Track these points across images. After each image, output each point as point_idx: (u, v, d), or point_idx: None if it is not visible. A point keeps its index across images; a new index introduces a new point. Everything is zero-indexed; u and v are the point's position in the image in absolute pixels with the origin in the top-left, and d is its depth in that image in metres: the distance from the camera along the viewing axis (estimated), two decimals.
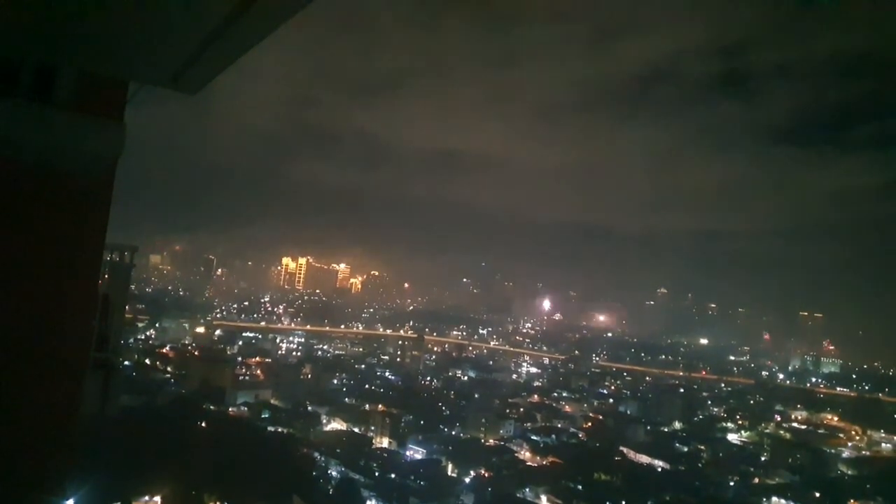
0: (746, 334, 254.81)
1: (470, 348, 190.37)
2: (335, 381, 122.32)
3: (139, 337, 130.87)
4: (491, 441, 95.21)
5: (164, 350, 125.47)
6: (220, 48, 3.17)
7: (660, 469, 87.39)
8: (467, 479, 76.25)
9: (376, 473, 72.39)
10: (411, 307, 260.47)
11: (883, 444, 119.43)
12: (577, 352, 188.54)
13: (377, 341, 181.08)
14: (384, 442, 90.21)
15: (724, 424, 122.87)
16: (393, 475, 72.80)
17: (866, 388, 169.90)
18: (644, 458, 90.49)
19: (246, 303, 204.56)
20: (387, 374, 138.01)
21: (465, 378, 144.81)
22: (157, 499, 53.18)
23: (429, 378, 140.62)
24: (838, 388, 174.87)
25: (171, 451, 54.56)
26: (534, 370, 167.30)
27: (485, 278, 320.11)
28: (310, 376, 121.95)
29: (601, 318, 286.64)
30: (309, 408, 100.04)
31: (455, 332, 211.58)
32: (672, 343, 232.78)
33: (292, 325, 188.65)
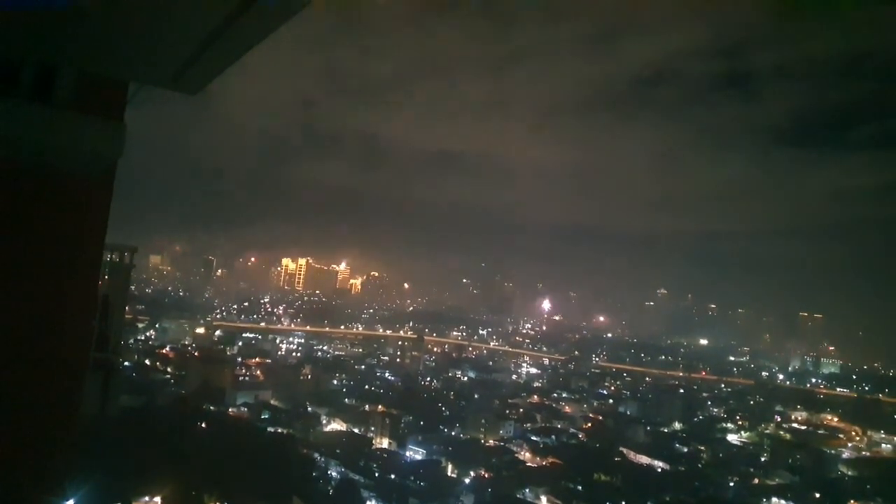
0: (746, 335, 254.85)
1: (470, 349, 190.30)
2: (335, 382, 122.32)
3: (139, 337, 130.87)
4: (491, 441, 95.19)
5: (163, 350, 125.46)
6: (220, 48, 3.17)
7: (660, 469, 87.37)
8: (467, 480, 76.24)
9: (376, 474, 72.37)
10: (411, 308, 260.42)
11: (883, 445, 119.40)
12: (576, 352, 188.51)
13: (377, 342, 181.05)
14: (384, 442, 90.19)
15: (724, 425, 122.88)
16: (393, 476, 72.78)
17: (866, 388, 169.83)
18: (644, 459, 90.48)
19: (246, 303, 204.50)
20: (386, 374, 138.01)
21: (465, 379, 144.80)
22: (158, 499, 53.13)
23: (428, 379, 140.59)
24: (838, 389, 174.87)
25: (172, 451, 54.56)
26: (534, 371, 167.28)
27: (485, 279, 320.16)
28: (310, 377, 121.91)
29: (601, 318, 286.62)
30: (309, 408, 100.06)
31: (455, 333, 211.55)
32: (672, 343, 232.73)
33: (292, 325, 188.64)
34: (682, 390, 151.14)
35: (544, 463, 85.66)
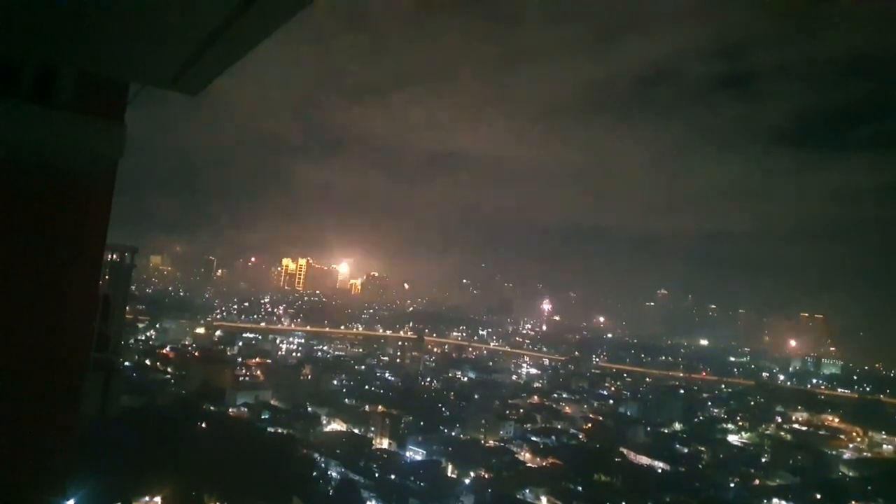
0: (747, 335, 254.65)
1: (470, 349, 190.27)
2: (335, 382, 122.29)
3: (139, 337, 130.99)
4: (491, 442, 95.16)
5: (164, 351, 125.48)
6: (220, 49, 3.17)
7: (660, 470, 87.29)
8: (467, 480, 76.20)
9: (376, 474, 72.35)
10: (411, 308, 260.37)
11: (884, 446, 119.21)
12: (577, 353, 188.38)
13: (377, 342, 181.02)
14: (384, 443, 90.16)
15: (725, 426, 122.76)
16: (393, 476, 72.76)
17: (867, 389, 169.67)
18: (644, 460, 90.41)
19: (246, 303, 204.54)
20: (387, 374, 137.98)
21: (465, 379, 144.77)
22: (158, 499, 53.15)
23: (429, 379, 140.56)
24: (839, 390, 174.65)
25: (172, 451, 54.56)
26: (534, 371, 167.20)
27: (485, 279, 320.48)
28: (310, 377, 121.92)
29: (601, 319, 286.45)
30: (309, 409, 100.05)
31: (455, 333, 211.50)
32: (672, 344, 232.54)
33: (292, 325, 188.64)
34: (682, 391, 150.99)
35: (544, 463, 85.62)
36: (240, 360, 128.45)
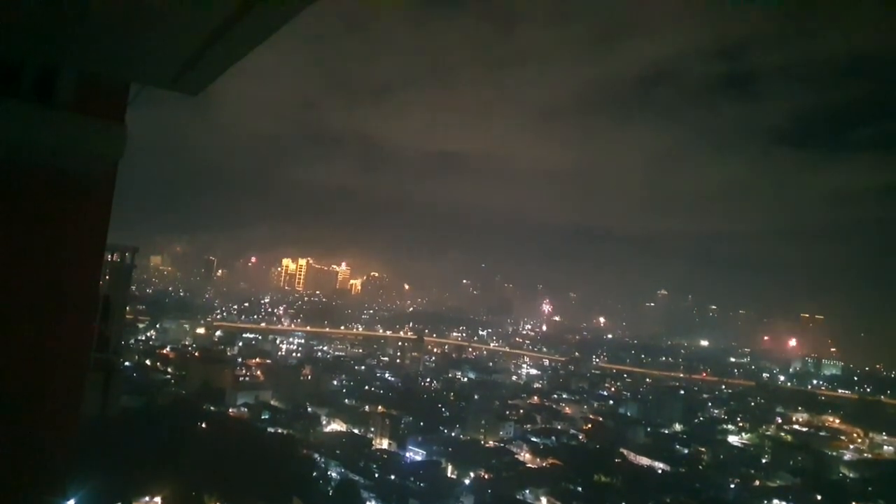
0: (747, 336, 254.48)
1: (470, 350, 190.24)
2: (335, 383, 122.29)
3: (140, 338, 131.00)
4: (491, 442, 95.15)
5: (164, 351, 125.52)
6: (221, 49, 3.18)
7: (660, 471, 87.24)
8: (467, 481, 76.19)
9: (376, 475, 72.35)
10: (411, 308, 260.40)
11: (885, 447, 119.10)
12: (577, 353, 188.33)
13: (377, 342, 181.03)
14: (384, 443, 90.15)
15: (725, 426, 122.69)
16: (393, 476, 72.75)
17: (868, 390, 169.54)
18: (644, 460, 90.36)
19: (246, 304, 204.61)
20: (386, 375, 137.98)
21: (465, 379, 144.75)
22: (158, 499, 53.16)
23: (428, 379, 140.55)
24: (839, 391, 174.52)
25: (172, 451, 54.57)
26: (534, 372, 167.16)
27: (485, 280, 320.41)
28: (310, 377, 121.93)
29: (601, 319, 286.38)
30: (309, 409, 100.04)
31: (455, 334, 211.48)
32: (672, 345, 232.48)
33: (292, 326, 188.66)
34: (682, 391, 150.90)
35: (544, 464, 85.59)
36: (240, 360, 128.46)
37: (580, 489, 74.23)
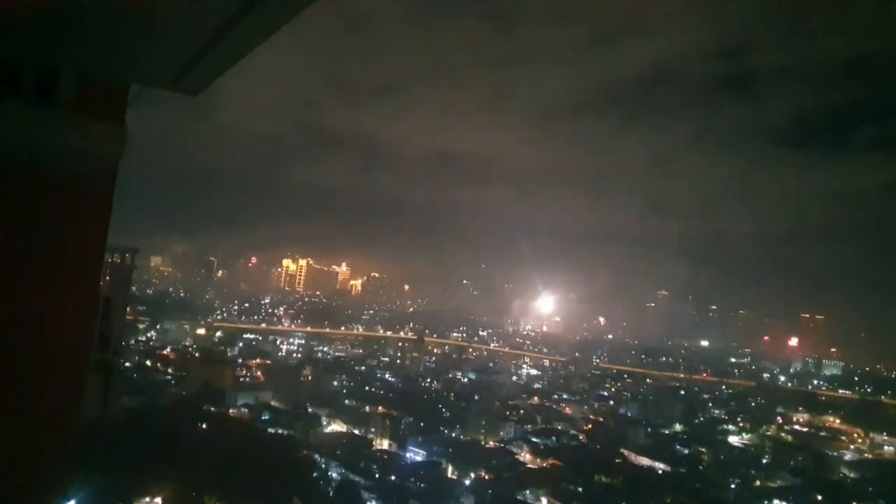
0: (747, 336, 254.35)
1: (470, 350, 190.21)
2: (335, 383, 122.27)
3: (140, 338, 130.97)
4: (491, 443, 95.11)
5: (164, 351, 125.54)
6: (221, 49, 3.18)
7: (660, 471, 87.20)
8: (467, 482, 76.16)
9: (376, 475, 72.34)
10: (411, 309, 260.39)
11: (885, 447, 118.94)
12: (577, 354, 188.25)
13: (377, 343, 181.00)
14: (384, 444, 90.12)
15: (725, 427, 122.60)
16: (393, 477, 72.74)
17: (868, 390, 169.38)
18: (645, 461, 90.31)
19: (246, 304, 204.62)
20: (387, 375, 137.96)
21: (466, 380, 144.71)
22: (158, 500, 53.16)
23: (429, 380, 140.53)
24: (840, 391, 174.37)
25: (172, 452, 54.55)
26: (534, 372, 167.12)
27: (485, 280, 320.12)
28: (310, 378, 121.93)
29: (601, 320, 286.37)
30: (309, 409, 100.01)
31: (455, 334, 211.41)
32: (672, 345, 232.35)
33: (292, 326, 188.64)
34: (682, 392, 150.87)
35: (545, 464, 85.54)
36: (240, 360, 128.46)
37: (581, 490, 74.19)
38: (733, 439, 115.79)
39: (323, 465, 73.59)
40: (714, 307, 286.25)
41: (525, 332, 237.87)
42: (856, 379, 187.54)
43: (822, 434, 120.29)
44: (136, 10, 2.87)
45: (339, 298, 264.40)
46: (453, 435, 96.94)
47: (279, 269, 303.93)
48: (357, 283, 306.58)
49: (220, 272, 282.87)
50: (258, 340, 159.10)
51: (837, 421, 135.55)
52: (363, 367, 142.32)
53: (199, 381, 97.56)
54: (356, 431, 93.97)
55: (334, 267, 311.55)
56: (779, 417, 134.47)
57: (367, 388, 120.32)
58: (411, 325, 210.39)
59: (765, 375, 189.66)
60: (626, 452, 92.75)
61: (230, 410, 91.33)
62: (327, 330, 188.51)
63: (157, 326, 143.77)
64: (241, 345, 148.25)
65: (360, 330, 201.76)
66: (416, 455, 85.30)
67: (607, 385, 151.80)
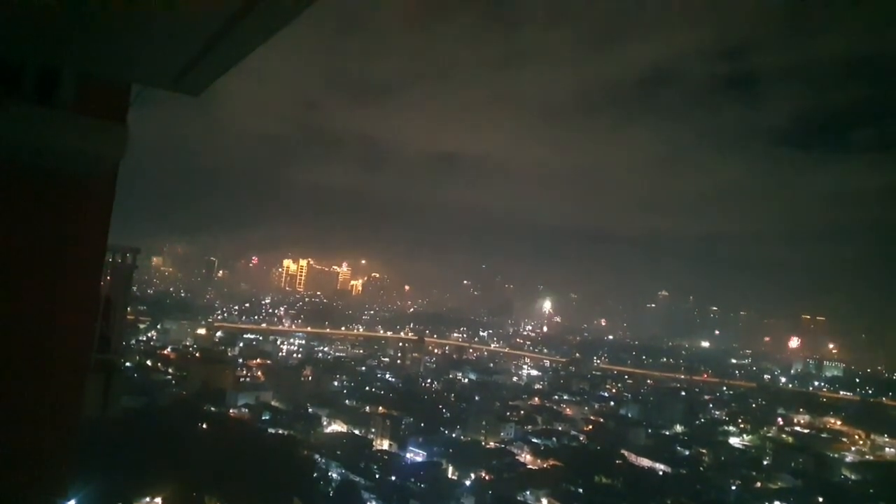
0: (748, 337, 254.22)
1: (470, 350, 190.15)
2: (336, 383, 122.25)
3: (141, 338, 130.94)
4: (491, 444, 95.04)
5: (165, 351, 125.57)
6: (222, 50, 3.18)
7: (661, 472, 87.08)
8: (468, 482, 76.11)
9: (377, 476, 72.32)
10: (412, 309, 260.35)
11: (886, 449, 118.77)
12: (577, 354, 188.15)
13: (378, 343, 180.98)
14: (384, 444, 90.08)
15: (726, 428, 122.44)
16: (393, 477, 72.72)
17: (869, 391, 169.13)
18: (645, 462, 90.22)
19: (247, 304, 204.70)
20: (387, 376, 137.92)
21: (466, 380, 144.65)
22: (159, 500, 53.18)
23: (429, 380, 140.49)
24: (841, 392, 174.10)
25: (172, 452, 54.58)
26: (534, 373, 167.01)
27: (485, 280, 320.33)
28: (310, 378, 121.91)
29: (602, 320, 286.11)
30: (309, 410, 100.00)
31: (455, 335, 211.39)
32: (673, 346, 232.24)
33: (293, 326, 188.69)
34: (683, 393, 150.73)
35: (545, 465, 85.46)
36: (240, 360, 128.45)
37: (581, 490, 74.12)
38: (734, 440, 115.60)
39: (323, 466, 73.57)
40: (715, 308, 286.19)
41: (525, 333, 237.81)
42: (857, 380, 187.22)
43: (823, 436, 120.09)
44: (137, 11, 2.88)
45: (340, 299, 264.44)
46: (454, 435, 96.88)
47: (280, 270, 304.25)
48: (357, 284, 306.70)
49: (221, 272, 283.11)
50: (259, 340, 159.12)
51: (838, 422, 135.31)
52: (363, 368, 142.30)
53: (200, 381, 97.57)
54: (356, 432, 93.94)
55: (335, 267, 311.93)
56: (780, 419, 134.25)
57: (367, 388, 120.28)
58: (412, 325, 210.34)
59: (766, 376, 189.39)
60: (626, 453, 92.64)
61: (230, 410, 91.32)
62: (328, 330, 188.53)
63: (158, 326, 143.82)
64: (241, 345, 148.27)
65: (361, 330, 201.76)
66: (416, 455, 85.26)
67: (608, 386, 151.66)
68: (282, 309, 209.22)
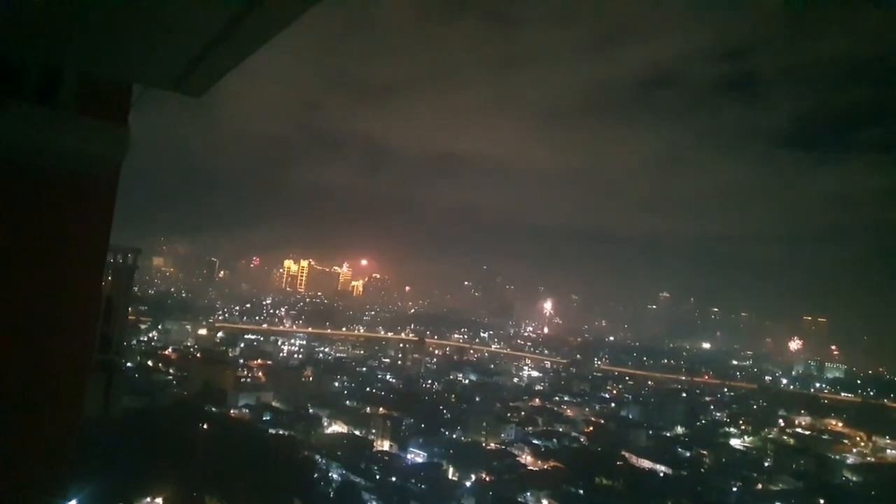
0: (749, 338, 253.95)
1: (471, 351, 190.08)
2: (336, 384, 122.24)
3: (142, 339, 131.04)
4: (492, 445, 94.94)
5: (166, 352, 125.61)
6: (224, 51, 3.18)
7: (662, 474, 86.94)
8: (468, 483, 76.03)
9: (377, 476, 72.28)
10: (412, 310, 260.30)
11: (888, 451, 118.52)
12: (578, 356, 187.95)
13: (378, 344, 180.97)
14: (385, 445, 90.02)
15: (727, 429, 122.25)
16: (394, 478, 72.66)
17: (871, 393, 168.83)
18: (646, 463, 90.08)
19: (248, 305, 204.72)
20: (388, 376, 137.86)
21: (466, 381, 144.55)
22: (159, 500, 53.18)
23: (430, 381, 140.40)
24: (842, 394, 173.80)
25: (173, 452, 54.59)
26: (535, 374, 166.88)
27: (486, 281, 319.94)
28: (311, 379, 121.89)
29: (603, 322, 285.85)
30: (310, 410, 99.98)
31: (456, 336, 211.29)
32: (674, 347, 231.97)
33: (294, 327, 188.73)
34: (684, 394, 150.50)
35: (545, 466, 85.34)
36: (241, 361, 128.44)
37: (581, 492, 74.03)
38: (735, 442, 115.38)
39: (324, 466, 73.53)
40: (716, 309, 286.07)
41: (526, 334, 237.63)
42: (858, 382, 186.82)
43: (824, 437, 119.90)
44: (138, 11, 2.88)
45: (341, 299, 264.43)
46: (454, 436, 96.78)
47: (281, 270, 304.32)
48: (358, 284, 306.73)
49: (222, 273, 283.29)
50: (260, 341, 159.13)
51: (840, 424, 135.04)
52: (364, 368, 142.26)
53: (201, 382, 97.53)
54: (357, 432, 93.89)
55: (336, 268, 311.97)
56: (781, 420, 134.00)
57: (368, 389, 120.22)
58: (412, 326, 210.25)
59: (767, 378, 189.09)
60: (627, 455, 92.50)
61: (231, 411, 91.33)
62: (328, 331, 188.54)
63: (159, 327, 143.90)
64: (242, 345, 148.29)
65: (361, 331, 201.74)
66: (416, 456, 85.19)
67: (608, 387, 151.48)
68: (283, 309, 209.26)
